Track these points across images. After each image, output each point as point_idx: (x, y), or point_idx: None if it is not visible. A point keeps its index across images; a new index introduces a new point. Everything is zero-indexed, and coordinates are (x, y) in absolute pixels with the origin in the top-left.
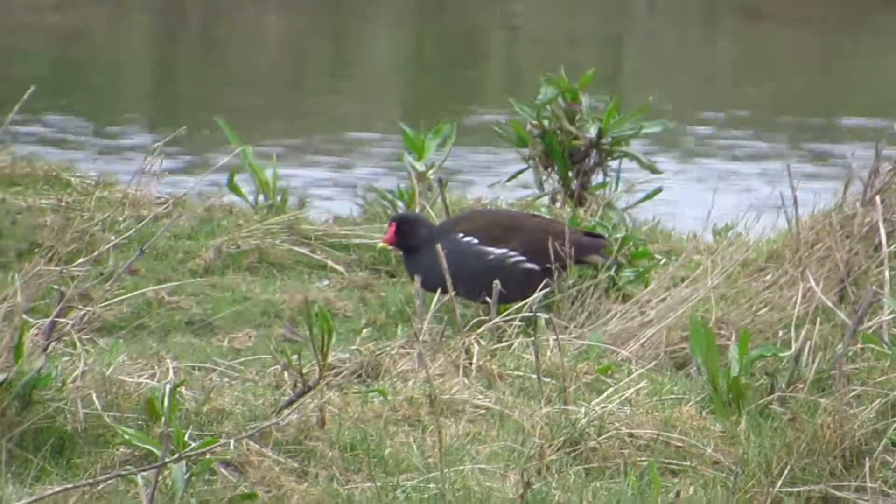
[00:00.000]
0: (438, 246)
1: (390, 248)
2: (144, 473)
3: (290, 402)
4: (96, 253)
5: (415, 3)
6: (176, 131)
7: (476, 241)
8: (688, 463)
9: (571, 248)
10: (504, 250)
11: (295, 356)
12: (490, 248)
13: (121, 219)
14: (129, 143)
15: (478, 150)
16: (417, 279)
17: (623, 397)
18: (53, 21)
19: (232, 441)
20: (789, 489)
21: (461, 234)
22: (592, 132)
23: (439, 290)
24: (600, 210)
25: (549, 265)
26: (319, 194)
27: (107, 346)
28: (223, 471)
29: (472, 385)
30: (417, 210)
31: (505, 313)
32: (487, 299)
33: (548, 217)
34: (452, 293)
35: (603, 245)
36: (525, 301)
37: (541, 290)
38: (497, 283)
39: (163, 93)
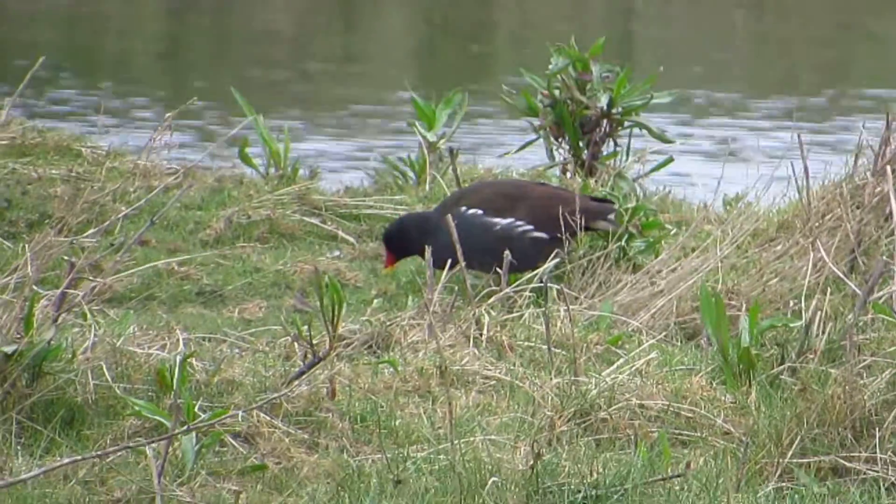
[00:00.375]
0: (449, 218)
1: (397, 267)
2: (154, 445)
3: (301, 374)
4: (107, 224)
5: None
6: (187, 102)
7: (481, 212)
8: (698, 434)
9: (580, 215)
10: (510, 220)
11: (305, 327)
12: (496, 219)
13: (131, 189)
14: (141, 115)
15: (488, 121)
16: (429, 258)
17: (633, 368)
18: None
19: (242, 412)
20: (799, 460)
21: (465, 208)
22: (603, 102)
23: (449, 261)
24: (611, 180)
25: (557, 233)
26: (330, 165)
27: (117, 318)
28: (233, 442)
29: (482, 356)
30: (428, 180)
31: (515, 284)
32: (499, 270)
33: (555, 184)
34: (463, 264)
35: (612, 210)
36: (536, 271)
37: (551, 259)
38: (507, 254)
39: (174, 66)
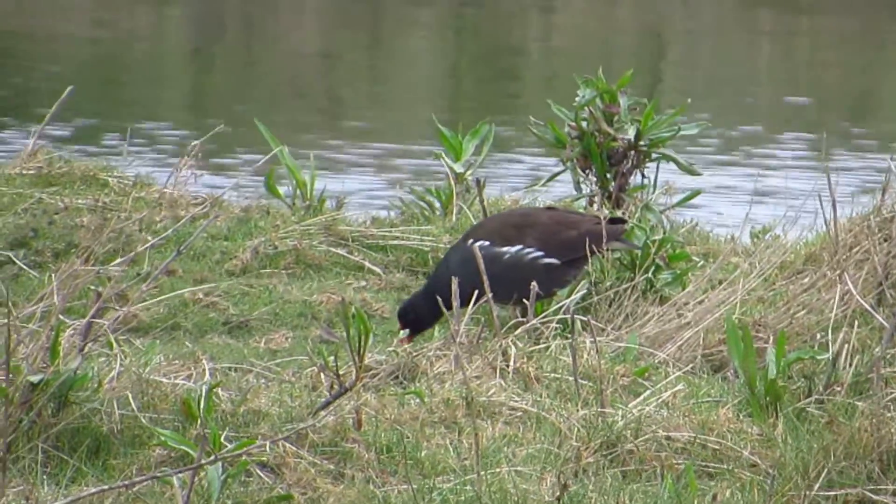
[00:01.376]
0: (471, 248)
1: (415, 338)
2: (180, 475)
3: (327, 404)
4: (133, 253)
5: (451, 12)
6: (213, 130)
7: (488, 243)
8: (725, 466)
9: (588, 236)
10: (519, 247)
11: (332, 357)
12: (504, 248)
13: (158, 219)
14: (166, 147)
15: (515, 154)
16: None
17: (660, 400)
18: (94, 19)
19: (268, 442)
20: (826, 493)
21: (471, 241)
22: (630, 133)
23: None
24: (638, 212)
25: (569, 257)
26: (357, 196)
27: (143, 347)
28: (259, 472)
29: (508, 387)
30: (455, 211)
31: (542, 315)
32: (522, 301)
33: (563, 209)
34: (489, 295)
35: (622, 230)
36: (561, 303)
37: (563, 283)
38: (534, 285)
39: (200, 98)
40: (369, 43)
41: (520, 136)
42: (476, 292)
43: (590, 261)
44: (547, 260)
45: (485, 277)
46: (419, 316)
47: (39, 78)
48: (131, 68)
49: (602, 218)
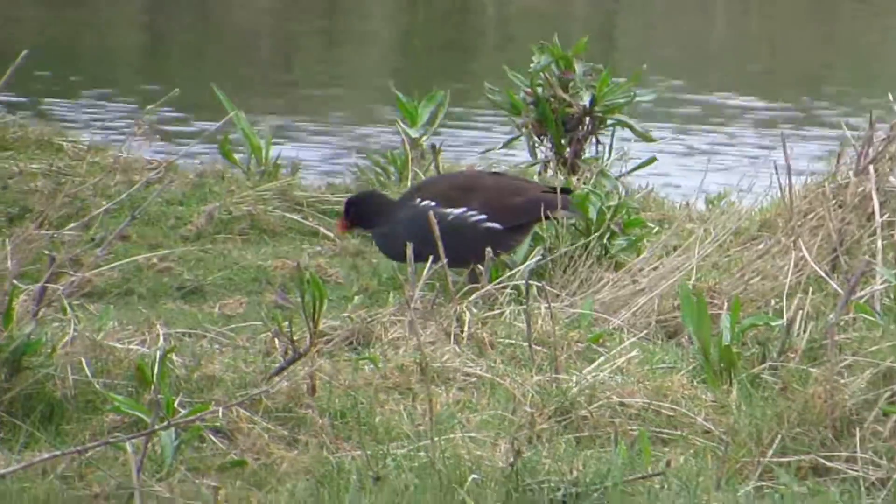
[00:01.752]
0: (426, 213)
1: (348, 233)
2: (134, 440)
3: (281, 370)
4: (87, 218)
5: None
6: (168, 95)
7: (434, 203)
8: (678, 432)
9: (532, 203)
10: (463, 209)
11: (286, 323)
12: (449, 209)
13: (112, 184)
14: (122, 110)
15: (471, 120)
16: (382, 250)
17: (614, 366)
18: None
19: (222, 408)
20: (780, 459)
21: (419, 200)
22: (586, 100)
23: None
24: (593, 178)
25: (512, 223)
26: (312, 161)
27: (97, 312)
28: (213, 438)
29: (463, 353)
30: (410, 177)
31: (496, 280)
32: (465, 262)
33: (511, 175)
34: (443, 259)
35: (568, 201)
36: (515, 269)
37: (504, 248)
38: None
39: (155, 62)
40: (324, 9)
41: (476, 101)
42: (425, 253)
43: (532, 228)
44: (489, 224)
45: (439, 242)
46: (361, 216)
47: None
48: (84, 38)
49: (548, 187)
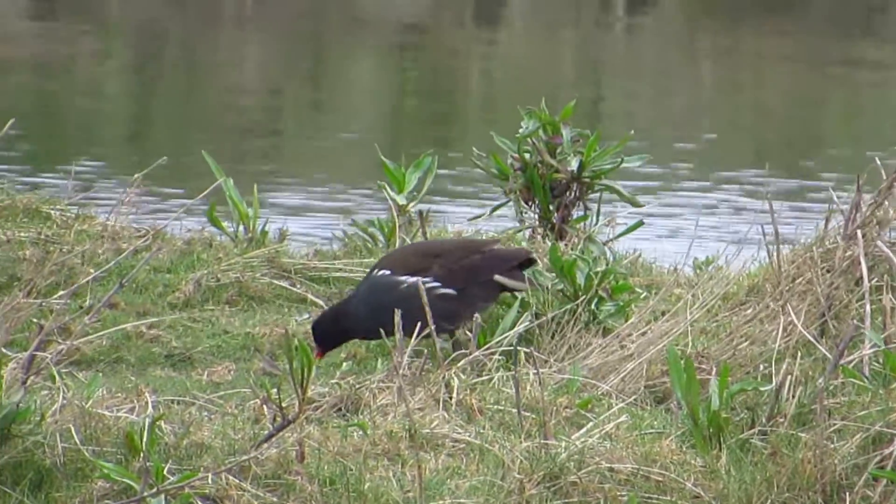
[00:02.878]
0: (384, 284)
1: (326, 355)
2: None
3: (270, 436)
4: (75, 286)
5: (393, 44)
6: (156, 162)
7: (389, 272)
8: (668, 497)
9: (491, 260)
10: (417, 277)
11: (274, 390)
12: (404, 277)
13: (100, 252)
14: (109, 178)
15: (459, 184)
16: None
17: (603, 431)
18: (30, 52)
19: (211, 475)
20: None
21: (375, 271)
22: (573, 165)
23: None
24: (581, 243)
25: (465, 286)
26: (300, 227)
27: (86, 380)
28: None
29: (452, 419)
30: (398, 243)
31: (485, 347)
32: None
33: (477, 238)
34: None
35: (525, 255)
36: (503, 335)
37: (459, 315)
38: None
39: (143, 129)
40: (311, 76)
41: (463, 168)
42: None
43: (495, 297)
44: (443, 290)
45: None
46: (325, 333)
47: None
48: (72, 103)
49: (518, 249)
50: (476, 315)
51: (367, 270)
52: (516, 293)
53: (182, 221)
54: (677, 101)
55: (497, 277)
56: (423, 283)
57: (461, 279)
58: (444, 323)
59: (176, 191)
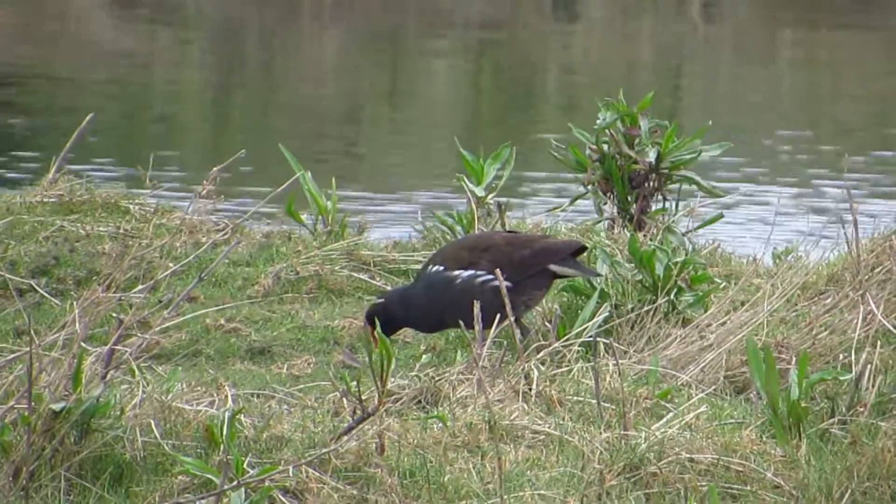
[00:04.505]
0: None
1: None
2: (203, 501)
3: (350, 429)
4: (154, 280)
5: (471, 37)
6: (234, 156)
7: (442, 268)
8: (748, 487)
9: (539, 252)
10: (471, 272)
11: (354, 383)
12: (457, 272)
13: (179, 245)
14: (187, 175)
15: (538, 174)
16: (416, 328)
17: (683, 422)
18: (111, 48)
19: (291, 468)
20: None
21: (430, 266)
22: (651, 156)
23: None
24: (659, 234)
25: (518, 278)
26: (379, 220)
27: (165, 374)
28: (282, 498)
29: (531, 410)
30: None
31: (564, 338)
32: (469, 324)
33: (524, 232)
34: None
35: (575, 246)
36: (583, 326)
37: (517, 304)
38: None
39: (222, 126)
40: (389, 70)
41: (542, 159)
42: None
43: (548, 285)
44: (496, 283)
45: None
46: (385, 323)
47: (60, 111)
48: (151, 100)
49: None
50: (529, 304)
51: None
52: (588, 280)
53: (261, 214)
54: (756, 91)
55: (551, 266)
56: (477, 276)
57: (513, 272)
58: (501, 312)
59: (255, 187)
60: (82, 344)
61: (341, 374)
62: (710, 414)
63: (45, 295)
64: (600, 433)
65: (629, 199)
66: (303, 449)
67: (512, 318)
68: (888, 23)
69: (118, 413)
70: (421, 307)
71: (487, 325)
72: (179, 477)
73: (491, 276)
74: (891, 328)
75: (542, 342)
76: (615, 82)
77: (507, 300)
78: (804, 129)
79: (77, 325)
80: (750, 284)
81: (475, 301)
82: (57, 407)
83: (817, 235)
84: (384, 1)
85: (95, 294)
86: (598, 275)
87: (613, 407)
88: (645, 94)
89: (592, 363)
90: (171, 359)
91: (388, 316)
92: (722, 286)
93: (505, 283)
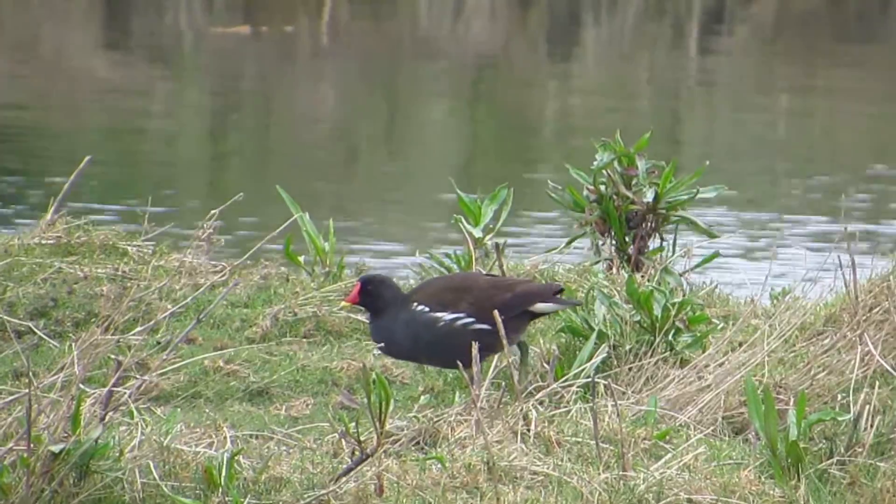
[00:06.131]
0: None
1: (353, 306)
2: None
3: (348, 470)
4: (153, 322)
5: (468, 78)
6: (232, 199)
7: (427, 309)
8: None
9: (521, 296)
10: (453, 315)
11: (353, 424)
12: (440, 314)
13: (177, 287)
14: (184, 218)
15: (534, 215)
16: (379, 346)
17: (681, 463)
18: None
19: None
20: None
21: (415, 304)
22: (649, 197)
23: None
24: (657, 275)
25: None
26: (375, 262)
27: (164, 416)
28: None
29: (530, 451)
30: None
31: (562, 379)
32: (454, 365)
33: (506, 275)
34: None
35: (555, 289)
36: (581, 367)
37: (497, 347)
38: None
39: (219, 167)
40: (385, 109)
41: (539, 200)
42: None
43: (525, 327)
44: (478, 326)
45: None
46: (372, 299)
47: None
48: (148, 142)
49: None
50: (508, 346)
51: (405, 294)
52: (586, 321)
53: (259, 256)
54: (752, 130)
55: (538, 306)
56: (458, 318)
57: (492, 316)
58: (483, 357)
59: (251, 230)
60: (81, 385)
61: (340, 415)
62: (709, 455)
63: (44, 337)
64: (599, 474)
65: (626, 239)
66: (301, 490)
67: (510, 361)
68: (885, 55)
69: (117, 455)
70: (393, 330)
71: (468, 365)
72: None
73: (471, 320)
74: (889, 368)
75: (541, 383)
76: (611, 120)
77: (504, 341)
78: (803, 164)
79: (76, 366)
80: (748, 325)
81: (463, 343)
82: (56, 448)
83: (816, 272)
84: (380, 40)
85: (94, 336)
86: (579, 303)
87: (612, 448)
88: (642, 132)
89: (591, 404)
90: (170, 400)
91: (377, 295)
92: (720, 327)
93: (484, 326)
